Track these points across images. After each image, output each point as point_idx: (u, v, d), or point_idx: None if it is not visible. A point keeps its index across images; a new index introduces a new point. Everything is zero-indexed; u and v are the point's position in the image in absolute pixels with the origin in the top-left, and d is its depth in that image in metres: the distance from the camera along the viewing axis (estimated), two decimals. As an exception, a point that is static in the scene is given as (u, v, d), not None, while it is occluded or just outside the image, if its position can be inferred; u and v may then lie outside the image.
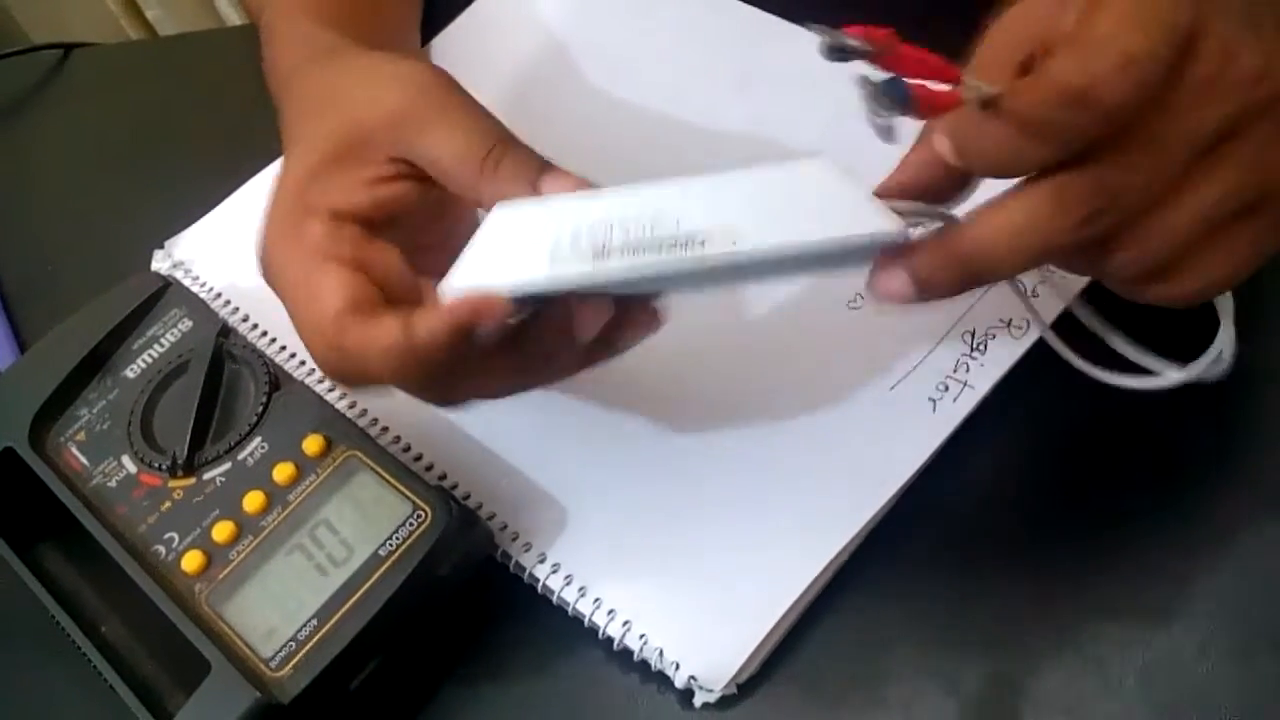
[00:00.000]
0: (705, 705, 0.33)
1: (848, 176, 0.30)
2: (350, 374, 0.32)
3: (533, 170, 0.32)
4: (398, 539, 0.34)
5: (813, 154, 0.30)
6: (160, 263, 0.49)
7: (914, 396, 0.37)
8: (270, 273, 0.34)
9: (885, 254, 0.30)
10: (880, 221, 0.29)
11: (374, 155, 0.33)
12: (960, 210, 0.31)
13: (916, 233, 0.31)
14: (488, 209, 0.31)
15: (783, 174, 0.30)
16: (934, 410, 0.37)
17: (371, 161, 0.33)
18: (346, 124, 0.34)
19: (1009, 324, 0.38)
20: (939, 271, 0.29)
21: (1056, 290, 0.38)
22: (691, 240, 0.29)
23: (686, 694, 0.34)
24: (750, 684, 0.34)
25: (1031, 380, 0.37)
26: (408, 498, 0.35)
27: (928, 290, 0.29)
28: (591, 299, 0.31)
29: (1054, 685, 0.32)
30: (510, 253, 0.30)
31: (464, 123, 0.33)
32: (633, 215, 0.30)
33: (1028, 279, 0.39)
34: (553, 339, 0.32)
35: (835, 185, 0.30)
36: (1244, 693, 0.31)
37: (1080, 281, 0.38)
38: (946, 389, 0.37)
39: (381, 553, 0.34)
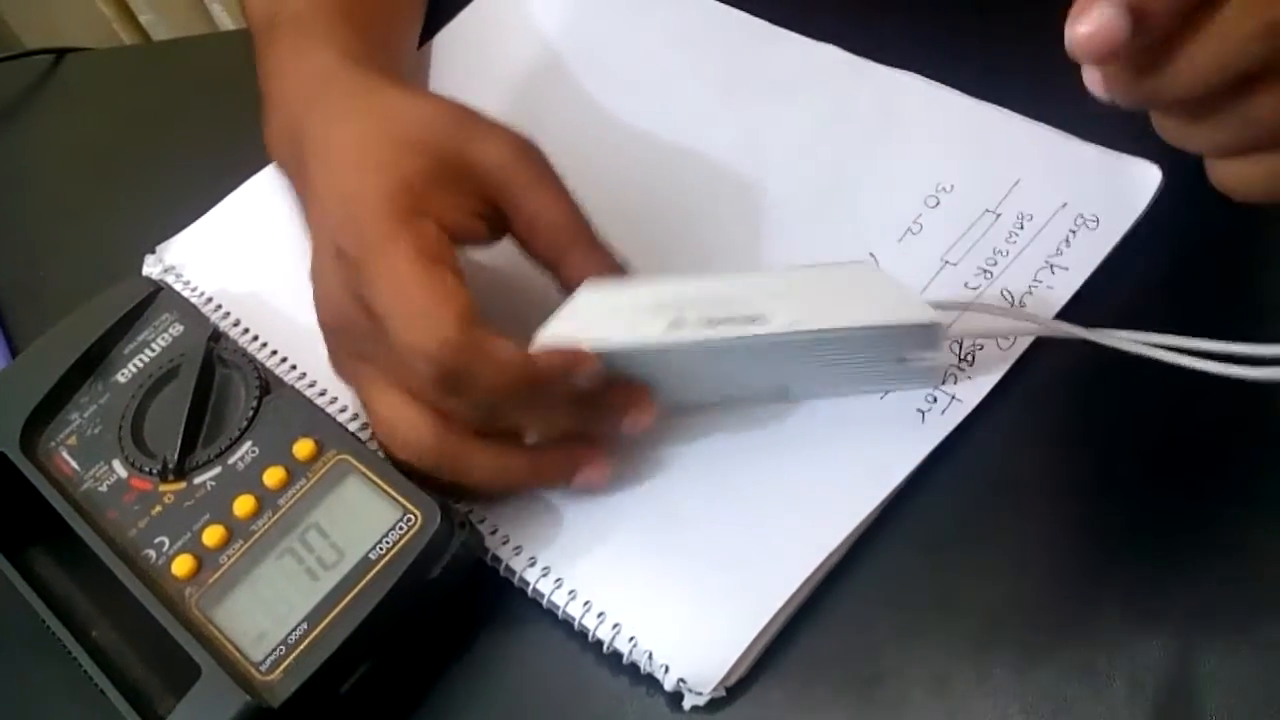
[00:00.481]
0: (694, 708, 0.33)
1: (893, 278, 0.35)
2: (461, 376, 0.33)
3: (613, 262, 0.38)
4: (388, 543, 0.34)
5: (863, 260, 0.36)
6: (151, 267, 0.49)
7: (903, 407, 0.38)
8: (377, 261, 0.34)
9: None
10: (917, 314, 0.34)
11: (474, 190, 0.37)
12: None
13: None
14: (561, 279, 0.37)
15: (838, 272, 0.35)
16: (923, 421, 0.37)
17: (471, 194, 0.37)
18: (450, 152, 0.37)
19: (997, 337, 0.38)
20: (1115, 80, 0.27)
21: (1041, 301, 0.39)
22: (757, 319, 0.34)
23: (676, 697, 0.34)
24: (739, 687, 0.34)
25: (1016, 385, 0.38)
26: (398, 501, 0.35)
27: (1110, 91, 0.27)
28: (644, 394, 0.36)
29: (1042, 688, 0.32)
30: (596, 317, 0.35)
31: (563, 195, 0.38)
32: (706, 296, 0.35)
33: (1014, 288, 0.39)
34: (599, 408, 0.36)
35: (883, 284, 0.35)
36: (1232, 695, 0.31)
37: (1064, 294, 0.39)
38: (935, 400, 0.37)
39: (372, 556, 0.34)
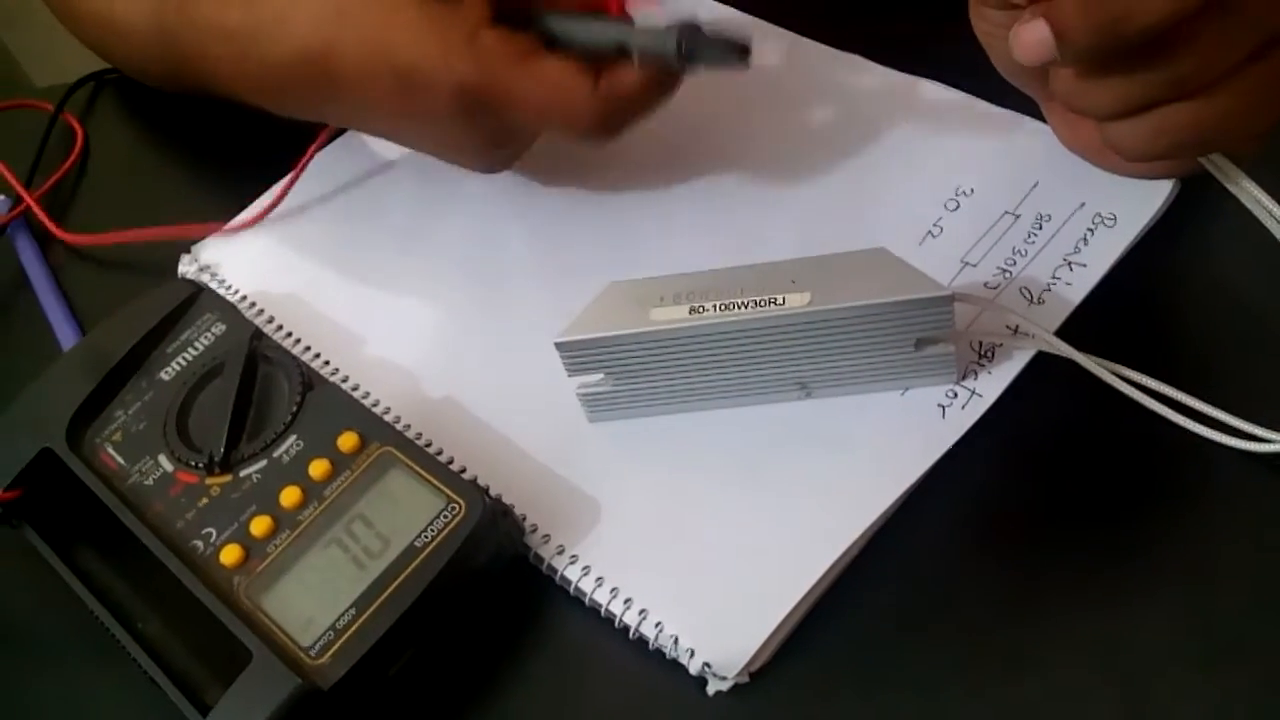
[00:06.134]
0: (718, 693, 0.34)
1: (903, 260, 0.36)
2: (615, 116, 0.40)
3: None
4: (433, 531, 0.35)
5: (875, 247, 0.37)
6: (187, 266, 0.50)
7: (924, 403, 0.38)
8: (497, 94, 0.40)
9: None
10: (928, 288, 0.35)
11: None
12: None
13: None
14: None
15: (851, 258, 0.37)
16: (943, 416, 0.38)
17: None
18: None
19: (1015, 330, 0.39)
20: (1077, 20, 0.30)
21: (1060, 298, 0.40)
22: (774, 302, 0.36)
23: (700, 682, 0.34)
24: (763, 673, 0.34)
25: (1033, 380, 0.38)
26: (441, 491, 0.36)
27: (1066, 41, 0.30)
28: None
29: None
30: (620, 310, 0.37)
31: None
32: (724, 285, 0.37)
33: (1033, 286, 0.40)
34: None
35: (895, 265, 0.36)
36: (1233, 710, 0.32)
37: (1082, 291, 0.40)
38: (955, 396, 0.38)
39: (417, 544, 0.35)
